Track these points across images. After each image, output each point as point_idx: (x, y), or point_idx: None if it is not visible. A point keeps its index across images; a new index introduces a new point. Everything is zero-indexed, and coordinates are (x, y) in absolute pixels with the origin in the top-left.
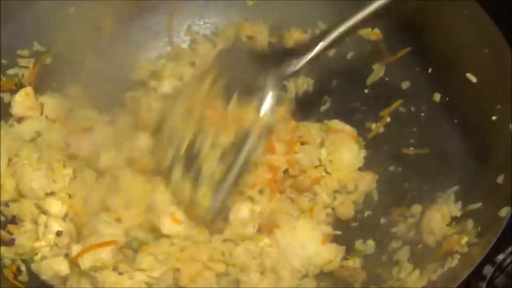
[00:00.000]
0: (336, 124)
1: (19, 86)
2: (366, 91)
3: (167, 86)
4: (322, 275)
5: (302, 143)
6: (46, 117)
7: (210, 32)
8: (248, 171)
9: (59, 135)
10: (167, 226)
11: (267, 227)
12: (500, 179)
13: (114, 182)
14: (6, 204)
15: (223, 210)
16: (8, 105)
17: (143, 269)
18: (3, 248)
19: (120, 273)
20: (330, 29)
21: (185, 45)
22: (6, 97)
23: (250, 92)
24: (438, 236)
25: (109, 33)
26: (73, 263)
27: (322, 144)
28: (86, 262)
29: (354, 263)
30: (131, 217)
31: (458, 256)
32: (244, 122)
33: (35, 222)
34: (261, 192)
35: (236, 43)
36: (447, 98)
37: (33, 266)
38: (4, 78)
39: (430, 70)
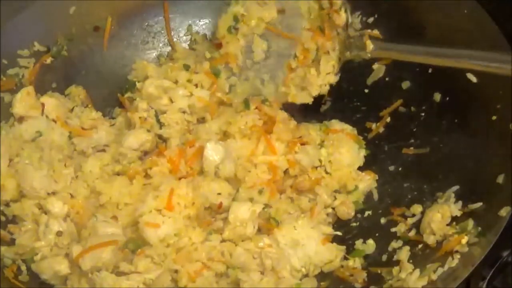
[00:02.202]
0: (336, 124)
1: (20, 86)
2: (366, 91)
3: (150, 86)
4: (322, 275)
5: (302, 144)
6: (47, 117)
7: (210, 32)
8: None
9: (60, 135)
10: (151, 235)
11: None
12: (500, 179)
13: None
14: (7, 204)
15: None
16: (9, 105)
17: (140, 272)
18: (3, 248)
19: (120, 273)
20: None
21: (185, 45)
22: (6, 97)
23: None
24: (438, 236)
25: (109, 33)
26: (74, 263)
27: (322, 145)
28: (87, 262)
29: (354, 263)
30: (124, 216)
31: (458, 256)
32: None
33: (36, 222)
34: (261, 192)
35: None
36: (447, 98)
37: (33, 266)
38: (4, 78)
39: (430, 70)
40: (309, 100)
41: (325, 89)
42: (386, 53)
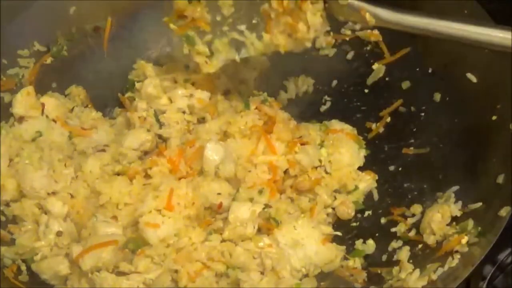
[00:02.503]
0: (336, 124)
1: (20, 86)
2: (366, 91)
3: (149, 86)
4: (323, 275)
5: (302, 144)
6: (47, 117)
7: None
8: None
9: (60, 135)
10: (151, 235)
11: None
12: (500, 179)
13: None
14: (7, 204)
15: None
16: (9, 105)
17: (140, 272)
18: (3, 248)
19: (120, 273)
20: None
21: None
22: (6, 97)
23: None
24: (438, 236)
25: (109, 33)
26: (74, 263)
27: (322, 145)
28: (87, 262)
29: (354, 263)
30: (124, 216)
31: (458, 256)
32: None
33: (36, 222)
34: (261, 192)
35: None
36: (447, 98)
37: (33, 266)
38: (4, 78)
39: (430, 70)
40: (306, 47)
41: (316, 37)
42: (387, 25)
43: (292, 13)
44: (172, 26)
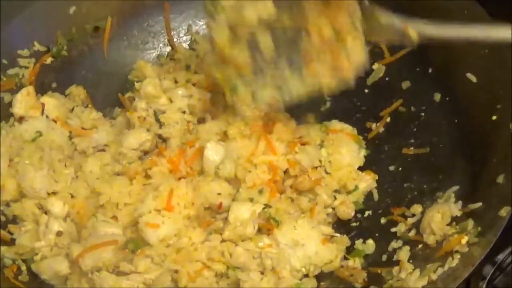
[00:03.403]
0: (336, 124)
1: (20, 86)
2: (366, 91)
3: (148, 86)
4: (323, 275)
5: (302, 144)
6: (47, 117)
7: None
8: None
9: (60, 135)
10: (151, 235)
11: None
12: (500, 179)
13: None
14: (7, 204)
15: None
16: (9, 105)
17: (140, 272)
18: (3, 248)
19: (120, 273)
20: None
21: (185, 45)
22: (6, 97)
23: None
24: (438, 236)
25: (109, 33)
26: (74, 263)
27: (322, 145)
28: (87, 262)
29: (354, 263)
30: (124, 216)
31: (458, 256)
32: None
33: (36, 222)
34: (261, 192)
35: None
36: (447, 98)
37: (34, 266)
38: (4, 78)
39: (430, 70)
40: (350, 85)
41: (359, 72)
42: (428, 41)
43: (332, 49)
44: (218, 75)
